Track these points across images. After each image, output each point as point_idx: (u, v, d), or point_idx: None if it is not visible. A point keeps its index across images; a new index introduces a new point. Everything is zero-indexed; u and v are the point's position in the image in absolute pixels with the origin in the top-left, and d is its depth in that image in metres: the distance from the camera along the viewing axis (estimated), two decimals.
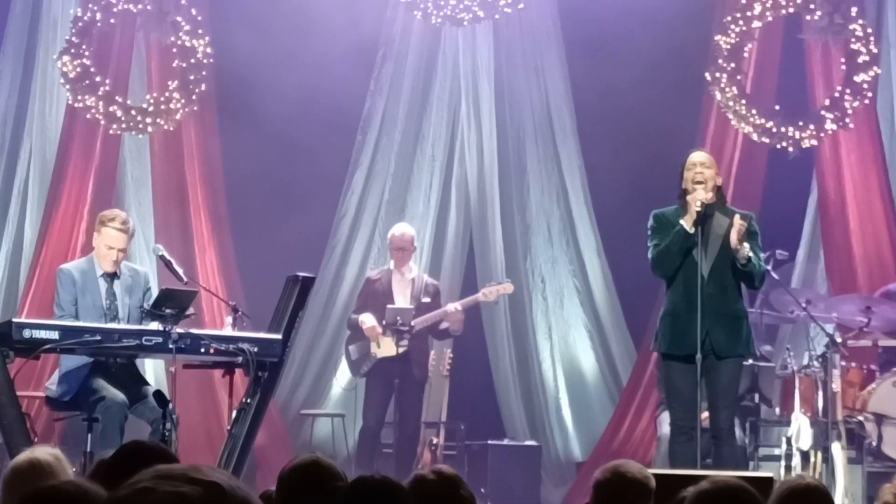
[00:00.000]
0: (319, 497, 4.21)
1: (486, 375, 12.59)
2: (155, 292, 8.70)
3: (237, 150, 12.45)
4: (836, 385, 9.93)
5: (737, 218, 8.06)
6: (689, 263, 8.11)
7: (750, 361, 9.22)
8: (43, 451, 4.42)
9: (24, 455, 4.42)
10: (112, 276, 8.58)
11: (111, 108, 11.92)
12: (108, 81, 11.96)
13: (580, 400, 12.66)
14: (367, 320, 10.91)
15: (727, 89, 11.89)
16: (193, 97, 12.13)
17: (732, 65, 11.91)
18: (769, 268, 10.25)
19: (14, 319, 7.91)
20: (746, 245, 8.02)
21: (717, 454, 8.22)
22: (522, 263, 12.76)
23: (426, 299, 11.00)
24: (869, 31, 11.84)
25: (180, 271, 8.64)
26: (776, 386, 10.38)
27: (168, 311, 7.96)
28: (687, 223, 8.07)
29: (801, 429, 9.77)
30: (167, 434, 7.65)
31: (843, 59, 11.87)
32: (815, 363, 10.05)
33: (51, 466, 4.28)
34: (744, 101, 11.89)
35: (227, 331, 8.38)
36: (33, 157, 12.40)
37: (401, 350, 10.79)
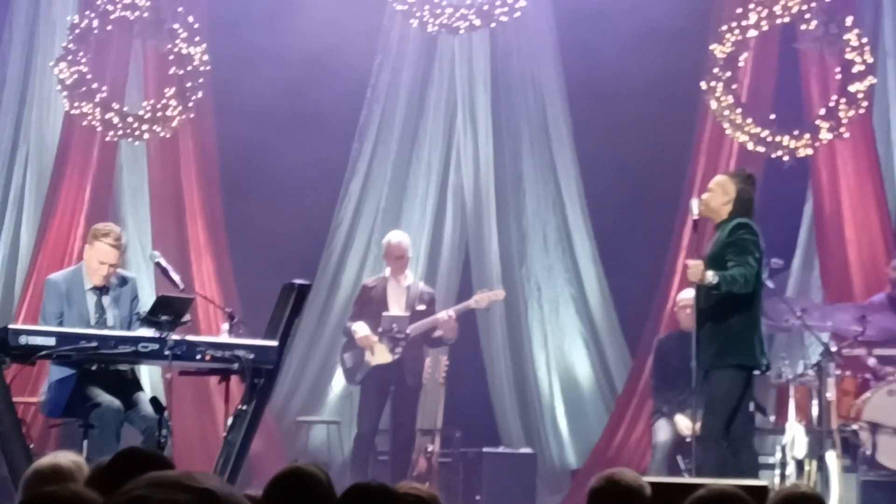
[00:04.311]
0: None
1: (481, 383, 12.59)
2: (151, 298, 8.71)
3: (234, 157, 12.46)
4: (831, 394, 9.94)
5: (687, 262, 8.48)
6: None
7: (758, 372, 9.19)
8: (65, 457, 4.49)
9: (48, 459, 4.50)
10: (101, 289, 8.57)
11: (108, 115, 11.93)
12: (104, 88, 11.98)
13: (575, 408, 12.65)
14: (360, 329, 10.93)
15: (722, 98, 11.91)
16: (190, 104, 12.15)
17: (728, 74, 11.92)
18: (765, 276, 10.29)
19: (10, 326, 7.92)
20: (709, 273, 8.25)
21: (697, 459, 8.43)
22: (518, 271, 12.77)
23: (421, 307, 11.01)
24: (864, 40, 11.86)
25: (177, 278, 8.65)
26: (771, 394, 10.38)
27: (164, 317, 7.96)
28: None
29: (795, 437, 9.78)
30: (163, 441, 7.66)
31: (838, 69, 11.88)
32: (810, 372, 10.06)
33: (71, 472, 4.32)
34: (739, 111, 11.89)
35: (224, 338, 8.38)
36: (30, 163, 12.41)
37: (395, 357, 10.81)
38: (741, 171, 9.10)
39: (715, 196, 8.55)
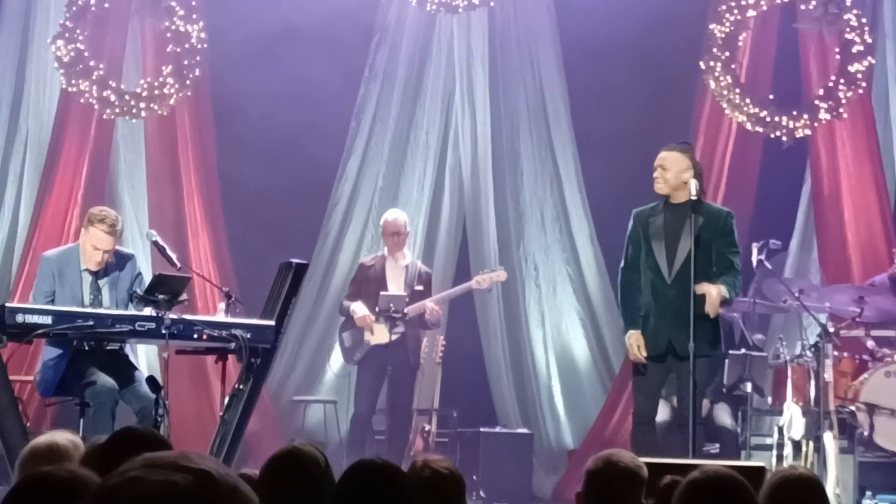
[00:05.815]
0: (300, 484, 4.22)
1: (478, 363, 12.58)
2: (148, 277, 8.68)
3: (231, 136, 12.43)
4: (829, 375, 9.93)
5: (706, 288, 8.10)
6: (653, 265, 8.39)
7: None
8: (62, 436, 4.48)
9: (44, 438, 4.49)
10: (97, 271, 8.53)
11: (105, 93, 11.89)
12: (102, 66, 11.93)
13: (572, 388, 12.65)
14: (359, 309, 10.91)
15: (721, 78, 11.89)
16: (187, 82, 12.11)
17: (727, 54, 11.90)
18: (762, 257, 10.31)
19: (7, 304, 7.91)
20: (724, 293, 8.11)
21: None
22: (516, 251, 12.75)
23: (419, 287, 11.00)
24: (863, 21, 11.84)
25: (174, 257, 8.62)
26: (768, 375, 10.40)
27: (161, 296, 7.95)
28: None
29: (792, 418, 9.78)
30: (159, 420, 7.65)
31: (837, 49, 11.87)
32: (808, 353, 10.05)
33: (68, 451, 4.32)
34: (738, 90, 11.88)
35: (220, 317, 8.38)
36: (29, 141, 12.37)
37: (394, 337, 10.80)
38: (686, 144, 8.92)
39: (675, 173, 8.35)
